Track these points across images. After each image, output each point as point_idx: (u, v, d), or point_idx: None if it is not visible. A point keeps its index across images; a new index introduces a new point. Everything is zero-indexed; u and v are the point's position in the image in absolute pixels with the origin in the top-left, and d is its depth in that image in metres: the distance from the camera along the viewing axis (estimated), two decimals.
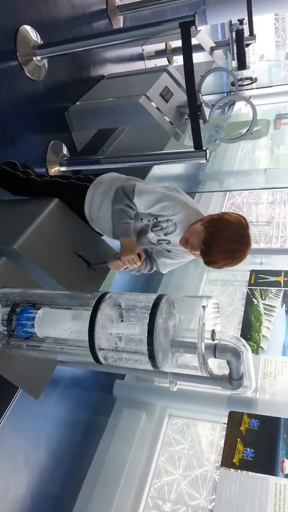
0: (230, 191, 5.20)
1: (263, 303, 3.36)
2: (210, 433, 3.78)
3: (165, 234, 1.74)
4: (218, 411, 2.74)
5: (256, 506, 2.01)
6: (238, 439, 2.18)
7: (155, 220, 1.71)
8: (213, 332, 1.11)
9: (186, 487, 3.57)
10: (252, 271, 3.72)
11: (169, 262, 1.91)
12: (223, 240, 1.54)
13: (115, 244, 1.89)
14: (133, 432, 2.97)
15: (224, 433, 2.53)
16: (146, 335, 1.08)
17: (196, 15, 2.13)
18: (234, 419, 2.26)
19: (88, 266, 1.80)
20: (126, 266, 1.73)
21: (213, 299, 1.14)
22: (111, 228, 1.76)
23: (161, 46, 4.56)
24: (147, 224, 1.74)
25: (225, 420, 2.43)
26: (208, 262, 1.60)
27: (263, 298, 3.40)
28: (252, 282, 3.57)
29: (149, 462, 2.98)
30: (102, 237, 1.98)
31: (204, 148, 2.34)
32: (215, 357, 1.09)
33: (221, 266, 1.62)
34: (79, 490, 2.76)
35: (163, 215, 1.68)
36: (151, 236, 1.77)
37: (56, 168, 2.76)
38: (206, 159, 2.33)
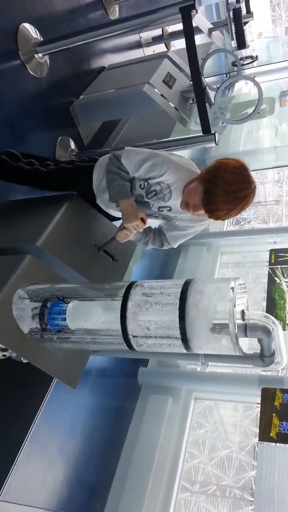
0: None
1: (285, 281, 3.36)
2: (233, 414, 3.83)
3: (164, 200, 1.67)
4: (249, 391, 2.77)
5: None
6: (274, 414, 2.21)
7: (146, 184, 1.65)
8: (242, 312, 1.14)
9: (213, 469, 3.63)
10: (271, 251, 3.71)
11: (178, 234, 1.83)
12: (222, 183, 1.43)
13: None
14: (161, 417, 3.03)
15: (247, 413, 2.56)
16: (178, 320, 1.11)
17: None
18: (267, 395, 2.29)
19: (98, 248, 1.80)
20: (132, 233, 1.69)
21: (239, 280, 1.17)
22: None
23: (157, 32, 4.52)
24: (141, 194, 1.69)
25: (256, 400, 2.46)
26: (212, 211, 1.49)
27: (285, 276, 3.40)
28: (273, 261, 3.57)
29: (179, 445, 3.04)
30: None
31: (212, 132, 2.34)
32: (247, 336, 1.12)
33: (227, 214, 1.49)
34: (113, 476, 2.84)
35: (152, 177, 1.62)
36: (151, 204, 1.72)
37: None
38: (216, 142, 2.33)
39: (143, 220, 1.64)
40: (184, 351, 1.16)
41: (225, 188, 1.43)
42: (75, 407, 2.65)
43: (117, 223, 1.93)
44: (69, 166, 1.87)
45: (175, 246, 1.90)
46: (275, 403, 2.23)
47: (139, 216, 1.62)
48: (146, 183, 1.65)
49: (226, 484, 3.58)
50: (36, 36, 2.60)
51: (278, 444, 2.13)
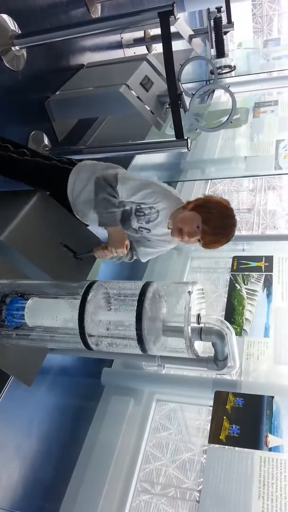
0: (211, 179, 5.25)
1: (245, 288, 3.44)
2: (196, 417, 3.87)
3: (147, 222, 1.74)
4: (204, 394, 2.82)
5: (243, 479, 2.11)
6: (224, 417, 2.27)
7: (138, 207, 1.72)
8: (198, 316, 1.16)
9: (174, 472, 3.66)
10: (234, 257, 3.80)
11: (148, 251, 1.93)
12: (220, 217, 1.59)
13: (96, 230, 1.92)
14: (121, 418, 3.03)
15: (210, 417, 2.61)
16: (135, 320, 1.12)
17: (174, 4, 2.14)
18: (219, 398, 2.35)
19: (75, 255, 1.83)
20: (112, 255, 1.76)
21: (198, 284, 1.19)
22: (93, 214, 1.77)
23: (140, 34, 4.54)
24: (130, 209, 1.74)
25: (211, 402, 2.51)
26: (211, 242, 1.63)
27: (245, 283, 3.49)
28: (235, 268, 3.65)
29: (138, 446, 3.05)
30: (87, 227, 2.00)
31: (185, 137, 2.37)
32: (201, 340, 1.14)
33: (218, 243, 1.65)
34: (70, 476, 2.82)
35: (146, 203, 1.69)
36: (133, 221, 1.77)
37: None
38: (188, 148, 2.36)
39: (126, 246, 1.72)
40: (140, 352, 1.17)
41: (223, 221, 1.60)
42: (35, 405, 2.62)
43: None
44: (45, 162, 1.85)
45: (144, 261, 1.98)
46: (227, 406, 2.29)
47: (125, 243, 1.70)
48: (138, 206, 1.72)
49: (186, 487, 3.62)
50: (14, 29, 2.56)
51: (227, 446, 2.19)
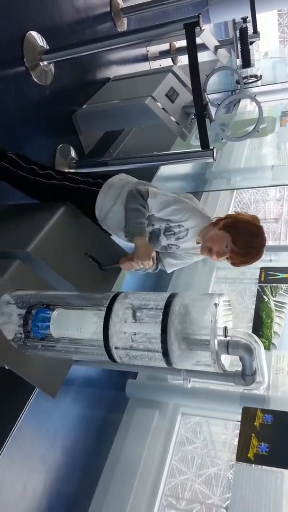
0: (237, 189, 5.19)
1: (273, 300, 3.36)
2: (223, 431, 3.79)
3: (176, 239, 1.76)
4: (231, 408, 2.75)
5: (272, 499, 2.03)
6: (253, 434, 2.20)
7: (167, 225, 1.74)
8: (225, 329, 1.13)
9: (200, 487, 3.59)
10: (262, 268, 3.72)
11: (175, 262, 1.93)
12: (249, 237, 1.60)
13: (122, 243, 1.92)
14: (146, 430, 3.00)
15: (237, 431, 2.55)
16: (160, 333, 1.10)
17: (200, 15, 2.15)
18: (248, 415, 2.27)
19: (100, 267, 1.83)
20: (138, 267, 1.75)
21: (224, 296, 1.16)
22: (121, 229, 1.78)
23: (165, 46, 4.58)
24: (159, 228, 1.76)
25: (238, 417, 2.44)
26: (240, 262, 1.63)
27: (274, 295, 3.41)
28: (262, 279, 3.58)
29: (163, 460, 3.00)
30: (111, 236, 2.00)
31: (211, 147, 2.35)
32: (228, 354, 1.11)
33: (246, 263, 1.65)
34: (94, 489, 2.79)
35: (174, 220, 1.70)
36: (163, 240, 1.79)
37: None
38: (213, 158, 2.34)
39: (152, 258, 1.72)
40: (166, 365, 1.15)
41: (252, 241, 1.60)
42: (59, 416, 2.62)
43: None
44: (72, 185, 1.86)
45: (169, 271, 1.98)
46: (255, 423, 2.21)
47: (152, 255, 1.70)
48: (167, 225, 1.73)
49: (212, 502, 3.54)
50: (42, 44, 2.63)
51: (255, 465, 2.11)
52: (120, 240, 1.93)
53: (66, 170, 2.79)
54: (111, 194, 1.80)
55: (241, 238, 1.59)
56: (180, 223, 1.70)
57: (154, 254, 1.72)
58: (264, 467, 2.13)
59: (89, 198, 1.83)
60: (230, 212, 1.72)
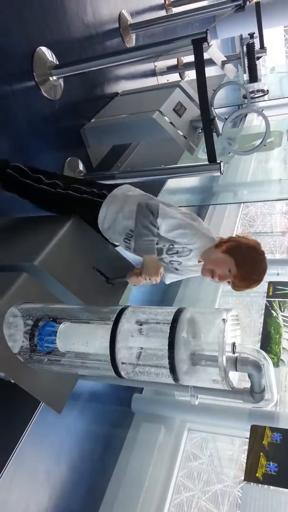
0: (244, 202, 5.19)
1: (282, 315, 3.32)
2: (229, 447, 3.73)
3: (179, 257, 1.76)
4: (239, 425, 2.71)
5: None
6: (261, 453, 2.14)
7: (170, 246, 1.74)
8: (233, 345, 1.12)
9: (206, 504, 3.51)
10: (270, 283, 3.69)
11: (175, 276, 1.94)
12: (252, 262, 1.61)
13: (123, 251, 1.92)
14: (152, 446, 2.95)
15: (244, 447, 2.50)
16: (167, 348, 1.09)
17: (207, 31, 2.17)
18: (256, 433, 2.22)
19: (107, 280, 1.82)
20: (145, 282, 1.74)
21: (232, 311, 1.15)
22: (122, 240, 1.79)
23: (173, 61, 4.64)
24: (162, 248, 1.76)
25: (246, 434, 2.39)
26: (241, 286, 1.63)
27: (282, 309, 3.36)
28: (270, 294, 3.54)
29: (169, 476, 2.95)
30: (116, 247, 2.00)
31: (218, 161, 2.36)
32: (236, 370, 1.09)
33: (250, 288, 1.65)
34: (99, 505, 2.75)
35: (180, 242, 1.71)
36: (166, 258, 1.79)
37: None
38: (221, 171, 2.35)
39: (160, 274, 1.72)
40: (173, 381, 1.13)
41: (253, 265, 1.61)
42: (65, 431, 2.59)
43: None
44: (76, 195, 1.87)
45: (167, 283, 1.99)
46: (264, 442, 2.16)
47: (160, 271, 1.70)
48: (171, 245, 1.74)
49: None
50: (52, 60, 2.67)
51: (263, 485, 2.06)
52: (120, 248, 1.94)
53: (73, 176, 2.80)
54: (114, 206, 1.80)
55: (245, 263, 1.59)
56: (185, 246, 1.71)
57: (162, 270, 1.71)
58: (273, 487, 2.08)
59: (93, 209, 1.83)
60: (234, 231, 1.71)
